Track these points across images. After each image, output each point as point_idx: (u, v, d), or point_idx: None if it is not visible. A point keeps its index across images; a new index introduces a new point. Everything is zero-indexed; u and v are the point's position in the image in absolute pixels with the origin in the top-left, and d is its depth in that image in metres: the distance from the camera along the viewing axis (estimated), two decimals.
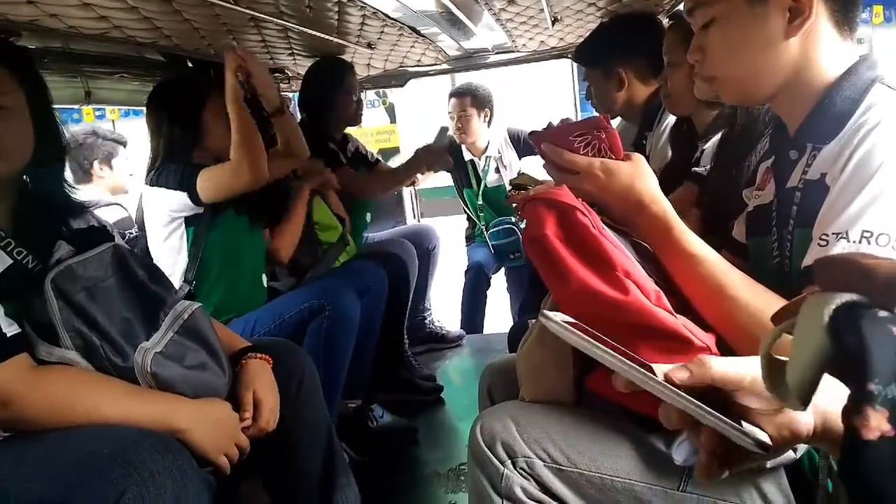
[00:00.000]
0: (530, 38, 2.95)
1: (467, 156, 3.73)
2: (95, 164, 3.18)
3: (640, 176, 1.04)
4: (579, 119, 2.95)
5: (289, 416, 1.49)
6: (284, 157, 2.29)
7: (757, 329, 0.91)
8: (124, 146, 3.30)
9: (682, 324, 0.93)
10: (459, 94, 3.60)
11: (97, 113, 6.31)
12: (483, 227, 3.68)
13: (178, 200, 1.99)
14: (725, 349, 0.96)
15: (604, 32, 2.31)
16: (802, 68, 1.00)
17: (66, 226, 1.37)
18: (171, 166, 2.03)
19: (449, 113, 3.65)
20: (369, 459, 2.28)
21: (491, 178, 3.72)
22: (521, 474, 1.07)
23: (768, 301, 0.93)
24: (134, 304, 1.34)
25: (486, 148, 3.71)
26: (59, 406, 1.14)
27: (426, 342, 3.46)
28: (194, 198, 1.97)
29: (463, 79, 3.90)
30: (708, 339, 0.94)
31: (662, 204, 1.03)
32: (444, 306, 3.84)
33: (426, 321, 3.48)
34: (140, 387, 1.24)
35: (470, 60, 3.32)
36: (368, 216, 3.10)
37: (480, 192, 3.71)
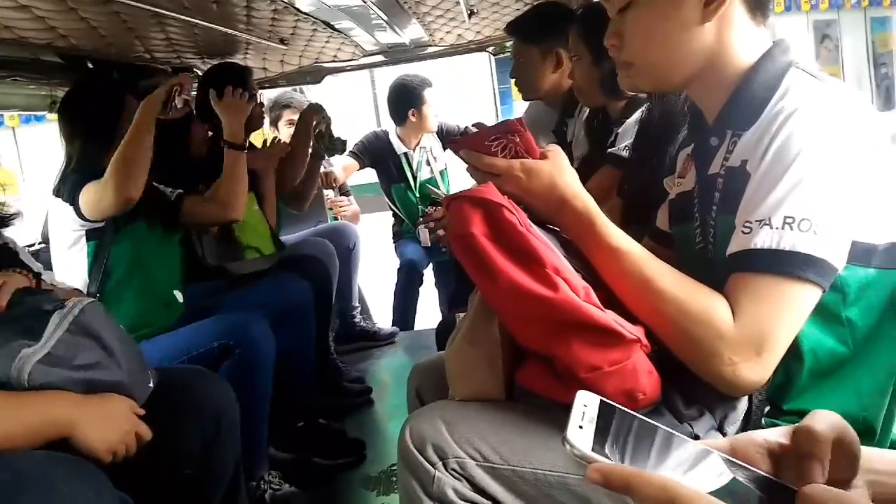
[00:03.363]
0: (447, 32, 2.93)
1: (400, 149, 3.66)
2: None
3: (560, 173, 1.04)
4: (498, 118, 2.95)
5: (204, 450, 1.45)
6: (213, 202, 2.18)
7: (684, 320, 0.92)
8: None
9: (612, 318, 0.93)
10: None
11: None
12: (420, 221, 3.64)
13: (70, 214, 1.90)
14: (654, 341, 0.96)
15: (546, 10, 2.26)
16: (717, 54, 1.01)
17: None
18: (74, 176, 1.93)
19: (431, 106, 3.57)
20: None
21: (424, 172, 3.70)
22: (452, 475, 1.04)
23: (694, 291, 0.94)
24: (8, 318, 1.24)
25: (420, 140, 3.68)
26: None
27: (358, 340, 3.42)
28: (79, 213, 1.88)
29: (381, 74, 3.85)
30: (638, 332, 0.94)
31: (584, 199, 1.03)
32: (372, 304, 3.80)
33: (356, 320, 3.43)
34: (15, 392, 1.14)
35: (388, 55, 3.28)
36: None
37: (417, 186, 3.67)
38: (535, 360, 1.04)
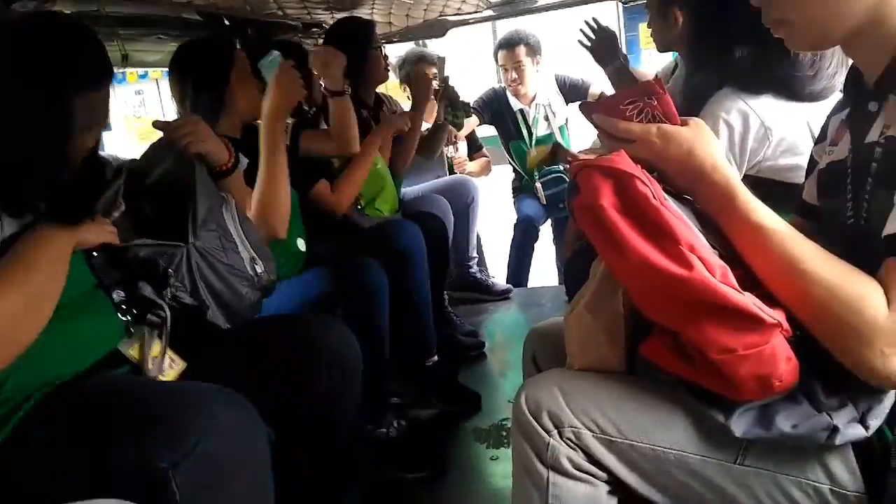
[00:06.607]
0: None
1: (516, 105, 3.62)
2: None
3: (701, 141, 0.97)
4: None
5: (329, 395, 1.51)
6: (328, 141, 2.30)
7: (834, 306, 0.85)
8: None
9: (751, 301, 0.86)
10: (511, 44, 3.48)
11: (140, 73, 6.34)
12: (536, 178, 3.60)
13: None
14: (795, 325, 0.90)
15: None
16: (881, 8, 0.90)
17: None
18: None
19: (501, 65, 3.54)
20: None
21: (541, 128, 3.63)
22: (567, 445, 1.03)
23: (847, 275, 0.86)
24: None
25: (535, 96, 3.61)
26: None
27: (470, 290, 3.46)
28: None
29: (503, 27, 3.77)
30: (778, 315, 0.87)
31: (725, 171, 0.96)
32: (491, 259, 3.81)
33: (471, 270, 3.45)
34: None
35: (511, 7, 3.21)
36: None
37: (534, 143, 3.62)
38: (660, 333, 1.00)
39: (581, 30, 2.61)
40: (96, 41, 1.37)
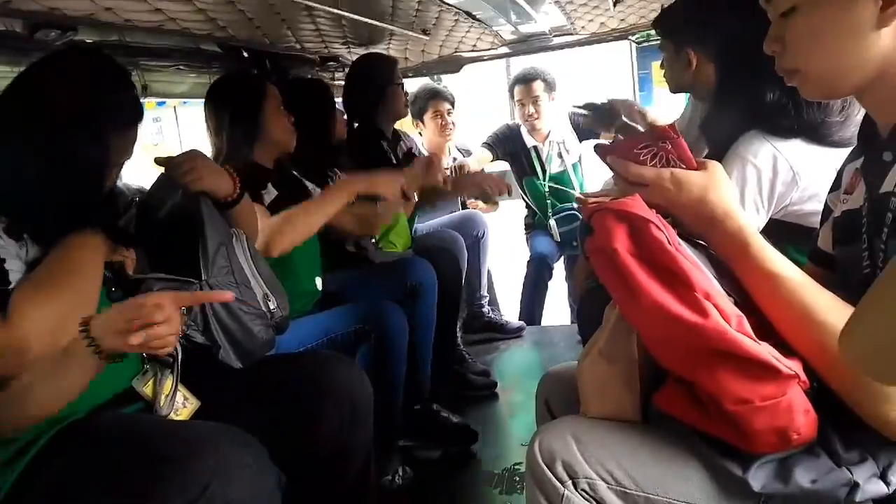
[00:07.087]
0: (590, 20, 2.85)
1: (530, 142, 3.63)
2: None
3: (714, 187, 0.97)
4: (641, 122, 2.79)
5: (339, 434, 1.50)
6: (350, 221, 2.23)
7: None
8: None
9: (767, 351, 0.85)
10: (528, 79, 3.51)
11: (158, 101, 6.43)
12: (550, 215, 3.59)
13: None
14: (813, 376, 0.88)
15: (682, 6, 2.00)
16: (890, 61, 0.90)
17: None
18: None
19: (518, 100, 3.56)
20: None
21: (554, 164, 3.63)
22: (582, 496, 1.01)
23: None
24: None
25: (550, 133, 3.62)
26: None
27: (484, 331, 3.43)
28: None
29: (517, 64, 3.80)
30: (795, 366, 0.86)
31: (738, 218, 0.95)
32: (503, 295, 3.79)
33: (483, 310, 3.44)
34: None
35: (527, 44, 3.23)
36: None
37: (547, 180, 3.62)
38: (675, 382, 0.98)
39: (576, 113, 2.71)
40: (132, 85, 1.43)
